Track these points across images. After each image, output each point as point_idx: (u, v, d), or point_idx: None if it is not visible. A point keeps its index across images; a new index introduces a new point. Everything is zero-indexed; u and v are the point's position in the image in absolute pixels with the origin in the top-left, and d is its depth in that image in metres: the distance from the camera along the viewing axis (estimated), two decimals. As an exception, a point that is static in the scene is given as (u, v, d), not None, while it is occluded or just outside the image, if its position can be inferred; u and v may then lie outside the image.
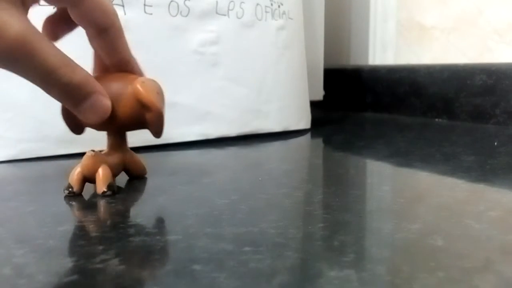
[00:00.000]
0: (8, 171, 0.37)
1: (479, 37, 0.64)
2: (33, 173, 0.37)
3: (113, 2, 0.43)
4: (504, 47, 0.61)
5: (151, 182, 0.32)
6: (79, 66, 0.26)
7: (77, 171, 0.29)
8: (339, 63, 0.89)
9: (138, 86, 0.29)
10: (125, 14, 0.43)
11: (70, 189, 0.29)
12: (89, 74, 0.27)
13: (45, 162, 0.39)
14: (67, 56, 0.25)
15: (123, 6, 0.43)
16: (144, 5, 0.44)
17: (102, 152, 0.30)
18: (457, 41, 0.67)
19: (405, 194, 0.30)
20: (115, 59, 0.30)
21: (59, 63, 0.25)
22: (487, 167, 0.36)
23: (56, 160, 0.40)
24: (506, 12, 0.61)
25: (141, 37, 0.44)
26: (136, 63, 0.31)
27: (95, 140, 0.39)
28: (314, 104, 0.66)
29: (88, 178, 0.29)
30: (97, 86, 0.27)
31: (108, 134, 0.31)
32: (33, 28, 0.24)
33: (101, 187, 0.29)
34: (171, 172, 0.36)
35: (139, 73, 0.32)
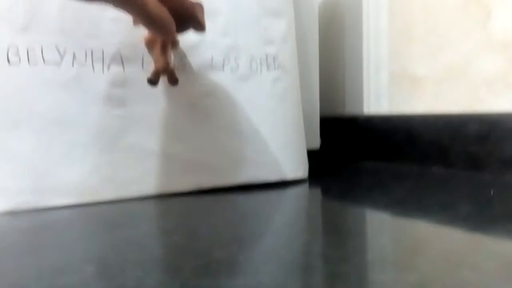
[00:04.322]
0: (5, 221, 0.37)
1: (469, 87, 0.66)
2: (31, 224, 0.37)
3: (115, 79, 0.44)
4: (494, 97, 0.63)
5: (145, 232, 0.32)
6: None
7: None
8: (335, 112, 0.90)
9: None
10: (124, 71, 0.45)
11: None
12: None
13: (43, 212, 0.39)
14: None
15: (122, 64, 0.45)
16: (142, 62, 0.46)
17: None
18: (448, 91, 0.69)
19: (403, 244, 0.30)
20: None
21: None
22: (483, 217, 0.36)
23: (54, 210, 0.40)
24: (493, 63, 0.63)
25: (139, 92, 0.46)
26: None
27: (91, 192, 0.39)
28: (311, 153, 0.67)
29: None
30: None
31: None
32: None
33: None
34: (167, 221, 0.36)
35: None
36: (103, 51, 0.44)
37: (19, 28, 0.41)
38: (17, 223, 0.37)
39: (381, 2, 0.79)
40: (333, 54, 0.90)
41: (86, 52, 0.44)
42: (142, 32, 0.44)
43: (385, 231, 0.35)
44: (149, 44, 0.45)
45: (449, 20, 0.68)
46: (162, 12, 0.37)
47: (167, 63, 0.44)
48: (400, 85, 0.77)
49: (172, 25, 0.38)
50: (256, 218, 0.39)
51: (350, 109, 0.88)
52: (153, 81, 0.43)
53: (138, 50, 0.46)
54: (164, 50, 0.44)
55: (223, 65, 0.51)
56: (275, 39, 0.55)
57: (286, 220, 0.38)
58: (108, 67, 0.45)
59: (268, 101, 0.55)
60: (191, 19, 0.41)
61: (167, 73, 0.45)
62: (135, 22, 0.42)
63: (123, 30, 0.45)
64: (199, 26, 0.42)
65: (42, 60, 0.42)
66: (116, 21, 0.44)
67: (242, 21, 0.52)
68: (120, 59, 0.45)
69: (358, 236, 0.33)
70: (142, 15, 0.35)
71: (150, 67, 0.46)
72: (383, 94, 0.81)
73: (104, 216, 0.39)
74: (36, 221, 0.38)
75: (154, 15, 0.35)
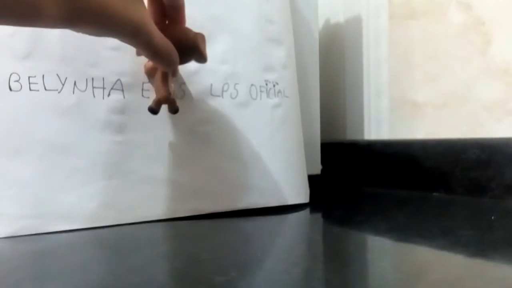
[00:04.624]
0: (6, 246, 0.37)
1: (469, 113, 0.67)
2: (32, 248, 0.37)
3: (114, 106, 0.46)
4: (494, 123, 0.63)
5: (146, 257, 0.32)
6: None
7: None
8: (336, 138, 0.91)
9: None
10: (124, 97, 0.45)
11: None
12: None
13: (44, 237, 0.39)
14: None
15: (122, 91, 0.45)
16: (142, 89, 0.47)
17: None
18: (448, 117, 0.70)
19: (404, 269, 0.30)
20: (174, 3, 0.41)
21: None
22: (484, 242, 0.36)
23: (55, 235, 0.40)
24: (492, 89, 0.63)
25: (139, 118, 0.46)
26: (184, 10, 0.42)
27: (91, 217, 0.39)
28: (312, 178, 0.67)
29: None
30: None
31: None
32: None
33: None
34: (168, 246, 0.36)
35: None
36: (103, 79, 0.45)
37: (21, 56, 0.42)
38: (18, 247, 0.37)
39: (381, 29, 0.81)
40: (333, 80, 0.91)
41: (86, 80, 0.44)
42: (142, 60, 0.45)
43: (386, 257, 0.34)
44: (150, 73, 0.45)
45: (449, 46, 0.69)
46: (167, 44, 0.37)
47: (168, 93, 0.44)
48: (400, 111, 0.78)
49: (176, 57, 0.39)
50: (257, 243, 0.38)
51: (350, 135, 0.89)
52: (154, 110, 0.44)
53: (138, 78, 0.46)
54: (165, 79, 0.44)
55: (222, 92, 0.51)
56: (275, 65, 0.56)
57: (287, 245, 0.38)
58: (108, 94, 0.45)
59: (268, 127, 0.55)
60: (193, 51, 0.42)
61: (168, 102, 0.45)
62: (138, 53, 0.43)
63: (124, 58, 0.46)
64: (201, 57, 0.43)
65: (43, 87, 0.42)
66: (117, 49, 0.45)
67: (242, 48, 0.53)
68: (120, 86, 0.46)
69: (359, 262, 0.33)
70: (147, 48, 0.35)
71: (149, 94, 0.46)
72: (384, 120, 0.81)
73: (105, 240, 0.39)
74: (38, 245, 0.38)
75: (160, 48, 0.36)
